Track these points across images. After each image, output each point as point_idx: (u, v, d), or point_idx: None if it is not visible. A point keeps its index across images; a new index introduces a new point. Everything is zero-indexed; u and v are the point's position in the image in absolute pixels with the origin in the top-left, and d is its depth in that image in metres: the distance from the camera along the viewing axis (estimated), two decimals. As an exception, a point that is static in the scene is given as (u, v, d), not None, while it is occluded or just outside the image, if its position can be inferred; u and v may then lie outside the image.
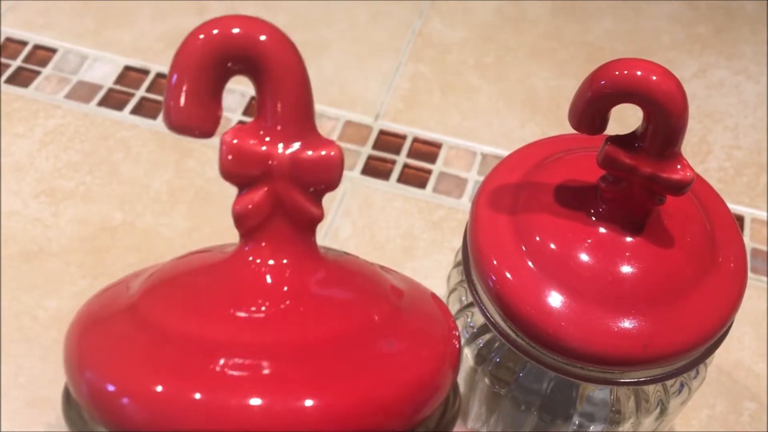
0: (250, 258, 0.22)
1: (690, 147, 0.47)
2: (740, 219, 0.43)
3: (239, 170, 0.21)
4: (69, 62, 0.48)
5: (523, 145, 0.29)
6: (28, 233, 0.40)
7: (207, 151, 0.44)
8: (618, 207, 0.25)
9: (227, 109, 0.46)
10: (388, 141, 0.46)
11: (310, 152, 0.21)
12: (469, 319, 0.30)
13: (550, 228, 0.25)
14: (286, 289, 0.21)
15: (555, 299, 0.24)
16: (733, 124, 0.48)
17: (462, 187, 0.44)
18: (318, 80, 0.48)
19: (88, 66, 0.48)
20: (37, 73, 0.47)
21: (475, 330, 0.29)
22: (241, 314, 0.20)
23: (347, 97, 0.48)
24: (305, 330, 0.20)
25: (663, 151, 0.23)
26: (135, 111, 0.46)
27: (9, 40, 0.49)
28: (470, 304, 0.29)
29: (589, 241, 0.25)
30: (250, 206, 0.21)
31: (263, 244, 0.22)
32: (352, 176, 0.44)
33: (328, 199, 0.43)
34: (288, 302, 0.21)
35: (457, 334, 0.23)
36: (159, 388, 0.19)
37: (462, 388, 0.31)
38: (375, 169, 0.44)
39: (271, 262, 0.21)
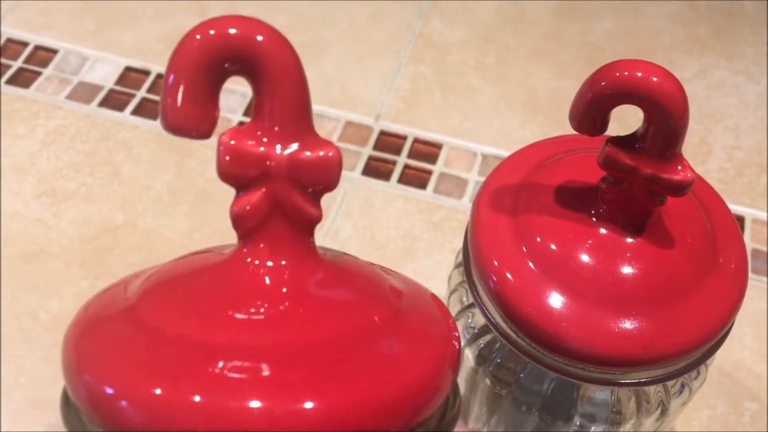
0: (249, 259, 0.21)
1: (690, 148, 0.46)
2: (741, 220, 0.43)
3: (237, 171, 0.21)
4: (70, 63, 0.48)
5: (523, 145, 0.29)
6: (30, 234, 0.40)
7: (208, 152, 0.44)
8: (619, 208, 0.25)
9: (228, 110, 0.46)
10: (389, 141, 0.46)
11: (308, 153, 0.21)
12: (469, 320, 0.29)
13: (550, 229, 0.25)
14: (285, 290, 0.21)
15: (556, 300, 0.24)
16: (733, 125, 0.48)
17: (462, 188, 0.44)
18: (318, 81, 0.48)
19: (89, 67, 0.48)
20: (38, 73, 0.47)
21: (475, 331, 0.29)
22: (240, 316, 0.20)
23: (348, 97, 0.47)
24: (304, 331, 0.20)
25: (664, 151, 0.23)
26: (136, 112, 0.46)
27: (10, 40, 0.49)
28: (471, 305, 0.29)
29: (589, 241, 0.25)
30: (248, 207, 0.21)
31: (262, 245, 0.21)
32: (352, 177, 0.44)
33: (328, 200, 0.43)
34: (287, 304, 0.21)
35: (456, 334, 0.23)
36: (158, 391, 0.19)
37: (463, 388, 0.31)
38: (375, 169, 0.44)
39: (269, 263, 0.21)
